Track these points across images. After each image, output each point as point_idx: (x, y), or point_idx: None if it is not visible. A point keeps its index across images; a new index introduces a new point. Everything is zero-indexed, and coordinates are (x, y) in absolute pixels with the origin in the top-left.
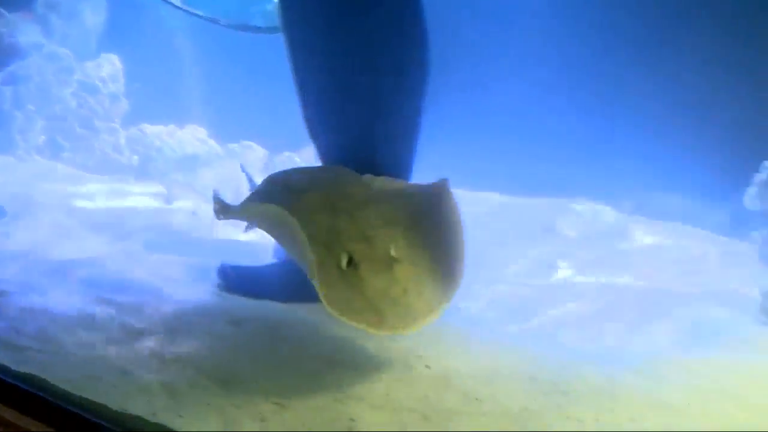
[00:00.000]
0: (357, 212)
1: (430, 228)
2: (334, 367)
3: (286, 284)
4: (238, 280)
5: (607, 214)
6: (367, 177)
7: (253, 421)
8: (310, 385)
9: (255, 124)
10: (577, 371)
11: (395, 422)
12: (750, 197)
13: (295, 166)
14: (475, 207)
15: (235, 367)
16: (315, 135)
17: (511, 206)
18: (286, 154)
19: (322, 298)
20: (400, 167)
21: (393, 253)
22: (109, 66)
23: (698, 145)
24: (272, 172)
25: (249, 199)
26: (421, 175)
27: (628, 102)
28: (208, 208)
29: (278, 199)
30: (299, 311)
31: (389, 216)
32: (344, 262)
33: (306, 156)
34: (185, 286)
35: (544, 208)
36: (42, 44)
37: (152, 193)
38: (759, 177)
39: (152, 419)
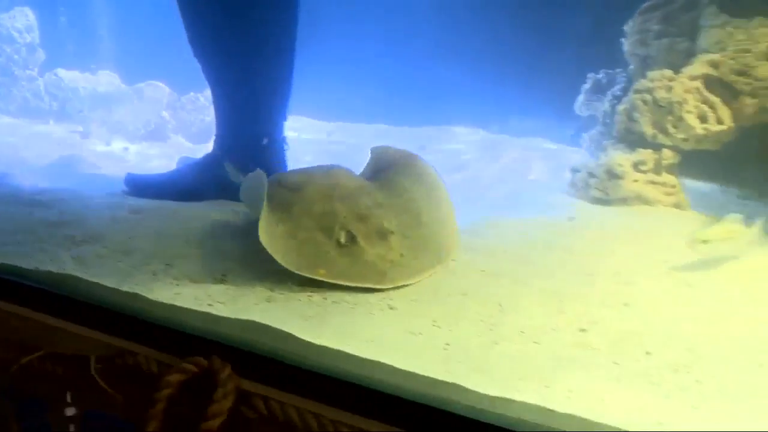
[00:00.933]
0: (350, 198)
1: (420, 206)
2: (214, 238)
3: (181, 187)
4: (141, 185)
5: (476, 134)
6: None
7: (144, 275)
8: (194, 251)
9: (161, 65)
10: None
11: (260, 274)
12: (578, 105)
13: (199, 105)
14: (359, 137)
15: (134, 241)
16: (197, 55)
17: (392, 133)
18: (192, 94)
19: (325, 277)
20: (276, 94)
21: (386, 225)
22: (23, 18)
23: (546, 74)
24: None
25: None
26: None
27: (486, 44)
28: (119, 140)
29: (279, 198)
30: (189, 205)
31: (380, 200)
32: (344, 238)
33: (209, 95)
34: (96, 192)
35: (422, 134)
36: None
37: (70, 131)
38: (584, 87)
39: (61, 272)
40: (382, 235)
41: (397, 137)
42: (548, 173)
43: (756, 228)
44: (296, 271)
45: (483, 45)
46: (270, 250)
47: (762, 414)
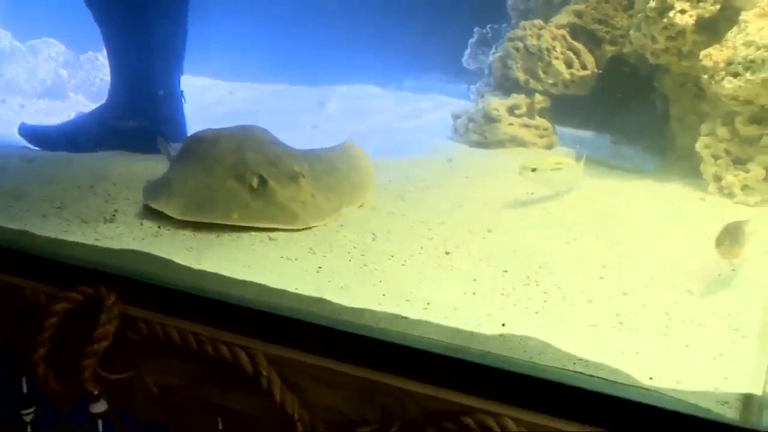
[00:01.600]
0: (264, 148)
1: (332, 156)
2: (108, 184)
3: (77, 137)
4: (37, 135)
5: (372, 90)
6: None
7: (34, 217)
8: (86, 196)
9: (58, 23)
10: None
11: (150, 216)
12: (465, 58)
13: (98, 64)
14: (262, 92)
15: (26, 187)
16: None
17: (291, 92)
18: (90, 53)
19: (238, 221)
20: (169, 45)
21: (297, 168)
22: None
23: (440, 32)
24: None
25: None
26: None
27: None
28: (14, 98)
29: (197, 151)
30: (85, 154)
31: (292, 151)
32: (255, 182)
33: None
34: None
35: (321, 92)
36: None
37: None
38: (471, 41)
39: None
40: (293, 177)
41: (296, 95)
42: (435, 122)
43: (582, 161)
44: (190, 219)
45: (379, 6)
46: (155, 205)
47: (595, 315)
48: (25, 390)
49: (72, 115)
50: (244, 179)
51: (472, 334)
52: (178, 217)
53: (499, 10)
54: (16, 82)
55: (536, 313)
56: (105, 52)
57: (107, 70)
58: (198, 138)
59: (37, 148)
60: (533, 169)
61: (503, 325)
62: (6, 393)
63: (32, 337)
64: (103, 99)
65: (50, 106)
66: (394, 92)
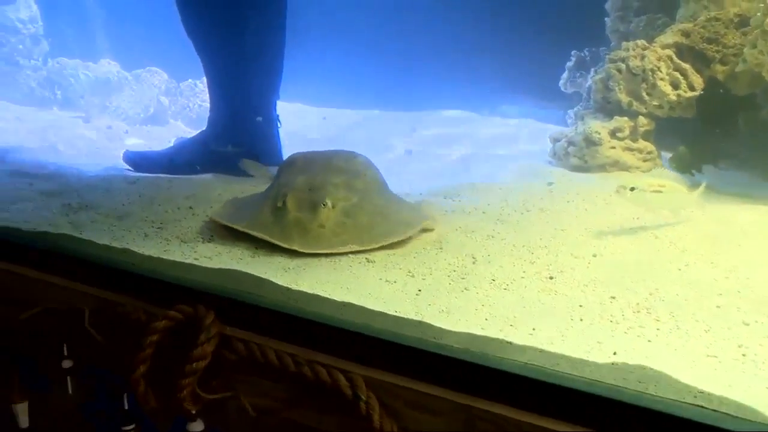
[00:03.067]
0: (321, 174)
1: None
2: (203, 203)
3: (177, 161)
4: (140, 160)
5: (465, 115)
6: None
7: (136, 236)
8: (183, 215)
9: (160, 53)
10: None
11: (247, 237)
12: (563, 82)
13: (197, 91)
14: (355, 117)
15: (128, 207)
16: (189, 32)
17: (384, 117)
18: (190, 80)
19: (246, 229)
20: (267, 72)
21: (327, 201)
22: (27, 9)
23: (535, 59)
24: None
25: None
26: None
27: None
28: (119, 124)
29: (280, 173)
30: (184, 177)
31: (350, 183)
32: (281, 202)
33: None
34: (95, 167)
35: (414, 118)
36: None
37: (73, 116)
38: (568, 64)
39: (56, 231)
40: (315, 205)
41: (389, 120)
42: (532, 147)
43: (700, 189)
44: (231, 225)
45: (472, 33)
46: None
47: (714, 346)
48: (126, 406)
49: (172, 141)
50: (277, 198)
51: (581, 362)
52: (216, 219)
53: (596, 33)
54: (122, 109)
55: (649, 341)
56: (205, 79)
57: (205, 96)
58: (286, 161)
59: (140, 173)
60: (632, 188)
61: (614, 353)
62: (108, 408)
63: (132, 353)
64: (201, 124)
65: (152, 131)
66: (487, 117)
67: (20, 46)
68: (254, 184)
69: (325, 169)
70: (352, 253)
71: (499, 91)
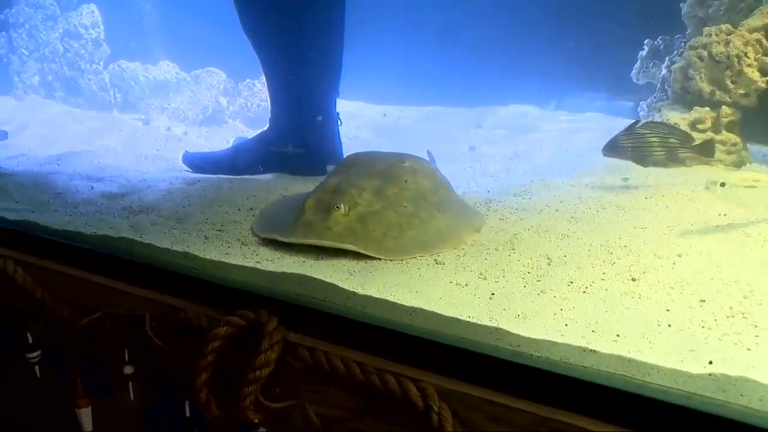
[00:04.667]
0: (356, 177)
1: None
2: (264, 204)
3: (237, 162)
4: (199, 162)
5: (530, 110)
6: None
7: (196, 238)
8: (244, 217)
9: (219, 54)
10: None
11: None
12: (635, 72)
13: (255, 91)
14: (417, 114)
15: (188, 210)
16: (247, 32)
17: (447, 113)
18: (248, 80)
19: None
20: (327, 70)
21: (340, 205)
22: (89, 15)
23: (603, 50)
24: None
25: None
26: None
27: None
28: (178, 125)
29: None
30: (244, 177)
31: (382, 189)
32: (302, 204)
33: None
34: (155, 169)
35: (477, 114)
36: None
37: (133, 118)
38: (641, 54)
39: (116, 235)
40: (329, 208)
41: (452, 117)
42: (603, 141)
43: None
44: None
45: (537, 25)
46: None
47: None
48: (187, 413)
49: (231, 141)
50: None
51: (673, 372)
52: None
53: (670, 20)
54: (181, 110)
55: (748, 350)
56: (263, 79)
57: (264, 96)
58: (341, 162)
59: (201, 174)
60: (722, 184)
61: (710, 362)
62: (169, 414)
63: (193, 359)
64: (260, 124)
65: (211, 132)
66: (553, 112)
67: (82, 51)
68: (315, 184)
69: (363, 173)
70: (420, 255)
71: (565, 85)
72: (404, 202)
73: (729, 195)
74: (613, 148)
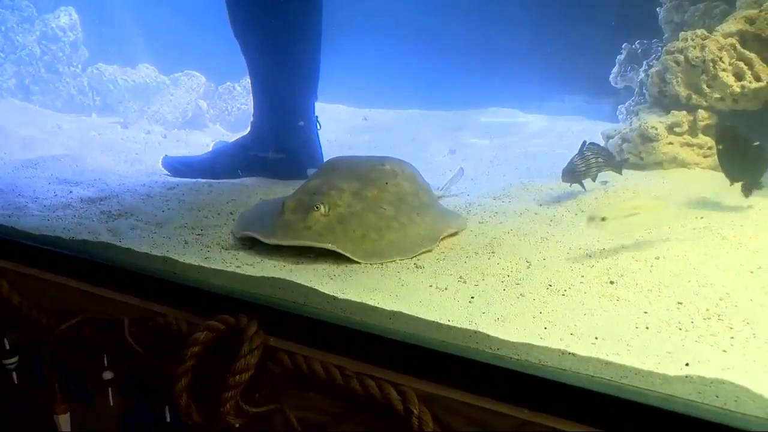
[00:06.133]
0: (336, 179)
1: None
2: (244, 208)
3: (217, 166)
4: (179, 166)
5: (510, 113)
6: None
7: (176, 243)
8: (224, 221)
9: (198, 57)
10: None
11: None
12: (613, 76)
13: (235, 94)
14: (396, 117)
15: (167, 214)
16: (237, 36)
17: (427, 117)
18: (228, 83)
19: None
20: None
21: (320, 205)
22: (67, 17)
23: (580, 54)
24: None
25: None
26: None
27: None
28: (157, 129)
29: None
30: (223, 181)
31: (361, 191)
32: (282, 205)
33: (246, 84)
34: (134, 173)
35: (457, 117)
36: None
37: (111, 122)
38: (619, 58)
39: (95, 240)
40: (309, 208)
41: (432, 120)
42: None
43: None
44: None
45: (515, 28)
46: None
47: None
48: (168, 419)
49: (210, 145)
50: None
51: (650, 374)
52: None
53: (648, 25)
54: (161, 114)
55: (724, 351)
56: (243, 82)
57: (244, 99)
58: (322, 165)
59: (181, 178)
60: (603, 218)
61: (687, 364)
62: (149, 420)
63: (173, 364)
64: (240, 128)
65: (190, 136)
66: (534, 115)
67: (60, 54)
68: (296, 188)
69: (343, 175)
70: (399, 259)
71: (544, 88)
72: (384, 205)
73: (611, 228)
74: (571, 174)
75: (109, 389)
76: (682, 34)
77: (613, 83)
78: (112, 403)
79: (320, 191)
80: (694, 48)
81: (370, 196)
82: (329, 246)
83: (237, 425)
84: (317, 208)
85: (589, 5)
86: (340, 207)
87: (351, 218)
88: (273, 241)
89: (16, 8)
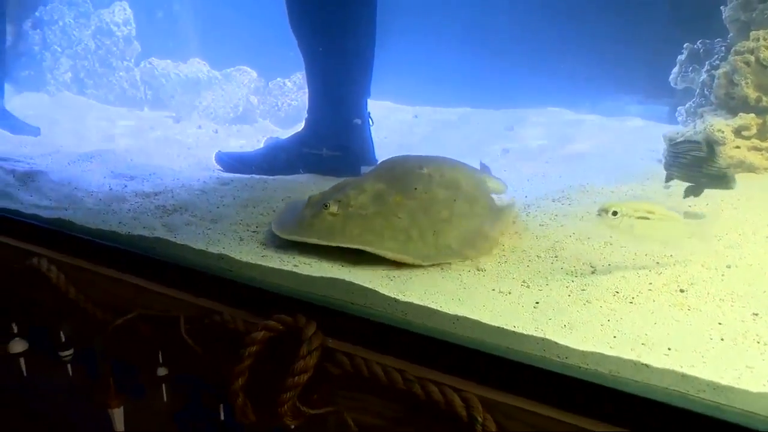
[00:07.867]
0: (368, 179)
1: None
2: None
3: (267, 163)
4: (232, 161)
5: (563, 113)
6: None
7: (232, 240)
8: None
9: (250, 53)
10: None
11: None
12: (673, 77)
13: (285, 90)
14: (448, 115)
15: (222, 210)
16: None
17: (477, 115)
18: (279, 79)
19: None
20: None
21: (329, 203)
22: (122, 12)
23: (639, 53)
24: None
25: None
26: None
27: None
28: (209, 124)
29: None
30: (278, 177)
31: (383, 193)
32: (310, 198)
33: (296, 80)
34: (187, 167)
35: (509, 116)
36: None
37: (164, 116)
38: (680, 58)
39: (151, 236)
40: (324, 205)
41: (483, 119)
42: (641, 145)
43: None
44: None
45: (571, 26)
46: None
47: None
48: (222, 417)
49: (263, 141)
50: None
51: (729, 389)
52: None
53: (710, 24)
54: (212, 108)
55: None
56: (294, 78)
57: (294, 95)
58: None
59: (233, 174)
60: (614, 212)
61: None
62: (202, 418)
63: (229, 363)
64: (290, 124)
65: (241, 131)
66: (587, 115)
67: (114, 48)
68: None
69: (380, 175)
70: (461, 261)
71: (600, 88)
72: (400, 213)
73: (620, 224)
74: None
75: (163, 386)
76: (753, 34)
77: (673, 84)
78: (165, 400)
79: (344, 189)
80: (766, 48)
81: (390, 202)
82: (314, 241)
83: (293, 426)
84: (326, 206)
85: (646, 3)
86: (351, 207)
87: (357, 220)
88: (281, 233)
89: (74, 3)
